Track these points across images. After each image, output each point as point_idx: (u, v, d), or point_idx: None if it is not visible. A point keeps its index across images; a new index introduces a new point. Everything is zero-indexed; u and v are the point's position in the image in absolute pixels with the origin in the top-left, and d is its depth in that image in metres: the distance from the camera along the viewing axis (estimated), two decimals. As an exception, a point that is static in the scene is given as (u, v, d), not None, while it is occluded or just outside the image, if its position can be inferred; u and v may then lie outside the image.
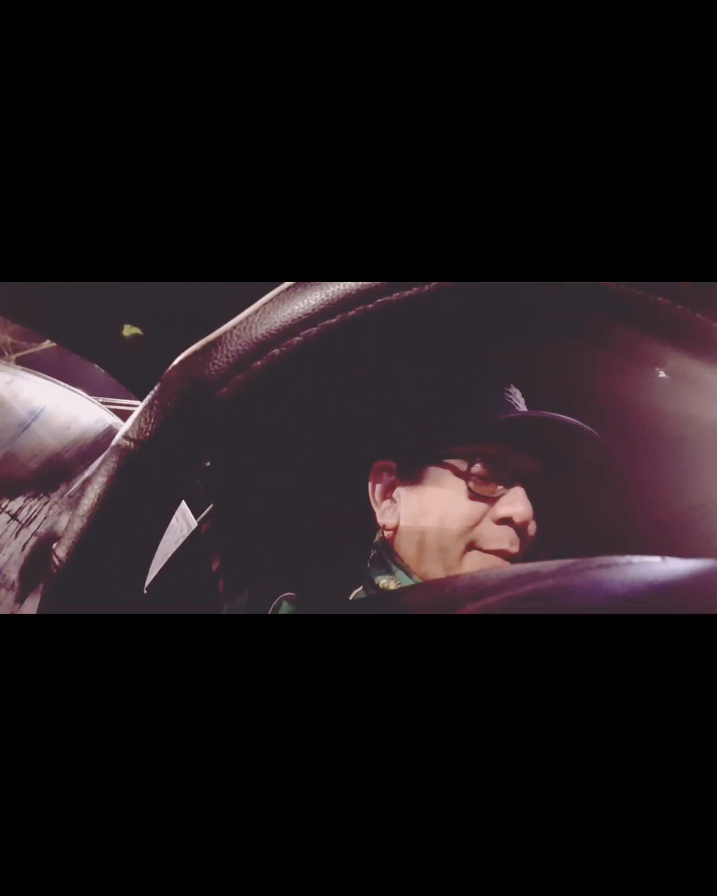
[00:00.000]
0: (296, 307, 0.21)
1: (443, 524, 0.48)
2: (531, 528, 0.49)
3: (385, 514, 0.53)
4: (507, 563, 0.47)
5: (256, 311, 0.22)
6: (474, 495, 0.48)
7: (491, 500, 0.48)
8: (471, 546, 0.47)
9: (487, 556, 0.47)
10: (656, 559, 0.24)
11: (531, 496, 0.49)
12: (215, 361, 0.21)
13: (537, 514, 0.50)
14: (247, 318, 0.22)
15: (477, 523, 0.47)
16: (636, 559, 0.24)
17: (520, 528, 0.47)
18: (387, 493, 0.54)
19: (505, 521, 0.47)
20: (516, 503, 0.47)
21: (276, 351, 0.21)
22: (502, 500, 0.48)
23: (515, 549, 0.47)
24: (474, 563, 0.47)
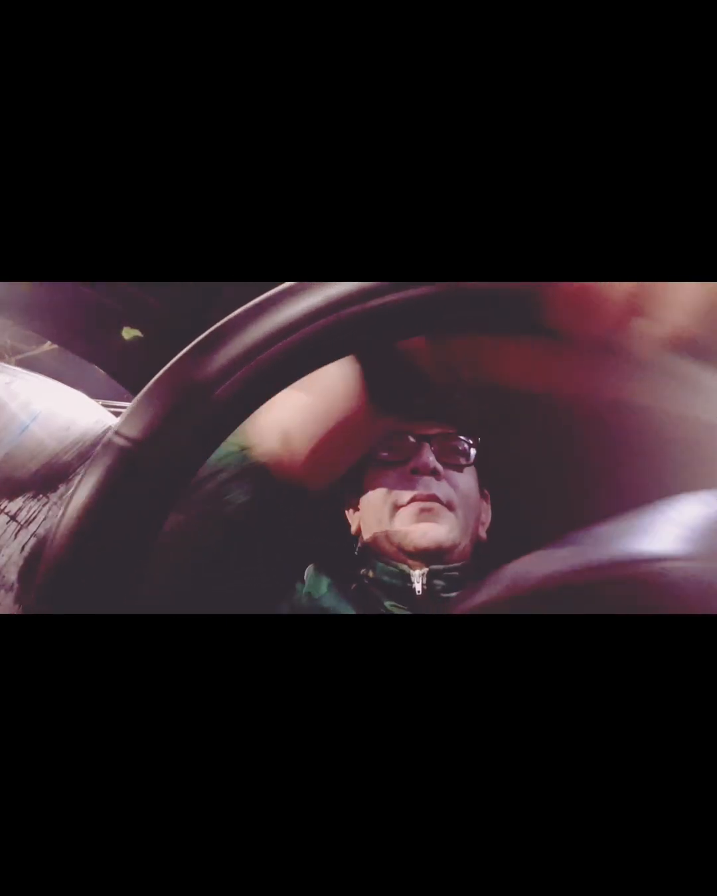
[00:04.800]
0: (292, 308, 0.21)
1: (373, 497, 0.54)
2: (464, 483, 0.54)
3: (354, 520, 0.60)
4: (432, 507, 0.52)
5: (254, 311, 0.22)
6: (385, 464, 0.54)
7: (403, 463, 0.53)
8: (395, 506, 0.52)
9: (407, 508, 0.52)
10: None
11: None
12: (212, 362, 0.21)
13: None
14: (245, 318, 0.22)
15: (395, 484, 0.53)
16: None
17: (433, 476, 0.52)
18: (355, 504, 0.60)
19: (416, 471, 0.52)
20: (421, 455, 0.52)
21: (273, 351, 0.21)
22: (411, 458, 0.53)
23: (432, 491, 0.52)
24: (401, 519, 0.52)
